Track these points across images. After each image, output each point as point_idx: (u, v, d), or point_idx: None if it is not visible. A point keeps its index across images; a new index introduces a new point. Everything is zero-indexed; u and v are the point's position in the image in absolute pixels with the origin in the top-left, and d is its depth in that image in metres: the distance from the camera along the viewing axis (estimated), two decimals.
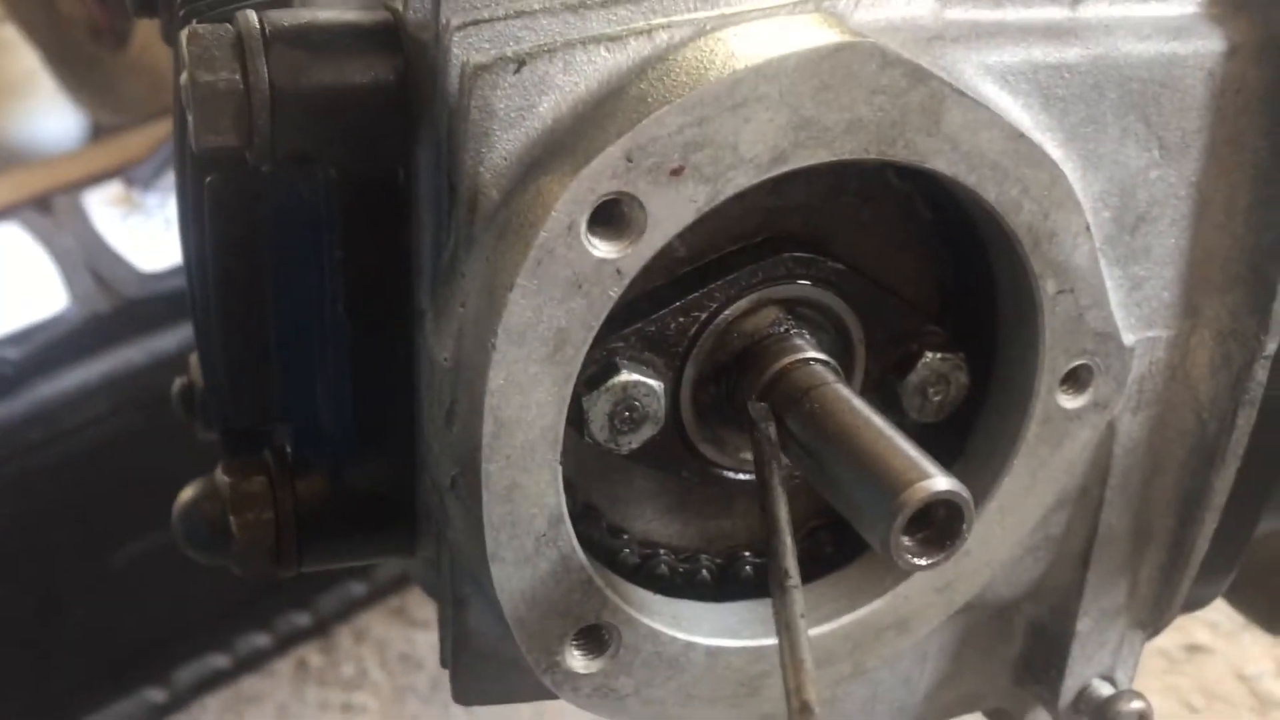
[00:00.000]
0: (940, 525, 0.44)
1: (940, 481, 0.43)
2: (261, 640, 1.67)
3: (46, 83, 1.95)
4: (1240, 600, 0.92)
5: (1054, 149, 0.49)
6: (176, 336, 1.45)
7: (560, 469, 0.47)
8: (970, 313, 0.54)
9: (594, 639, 0.51)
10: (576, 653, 0.50)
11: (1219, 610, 1.63)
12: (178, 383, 0.68)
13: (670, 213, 0.44)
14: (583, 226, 0.43)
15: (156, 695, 1.59)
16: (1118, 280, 0.52)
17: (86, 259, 1.56)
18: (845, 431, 0.47)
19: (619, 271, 0.44)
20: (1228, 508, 0.57)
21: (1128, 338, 0.53)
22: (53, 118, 1.98)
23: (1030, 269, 0.50)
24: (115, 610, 1.55)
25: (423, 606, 1.79)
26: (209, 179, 0.52)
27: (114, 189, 1.72)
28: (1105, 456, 0.56)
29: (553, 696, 0.55)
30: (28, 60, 1.95)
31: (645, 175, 0.43)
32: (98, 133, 1.98)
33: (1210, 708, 1.49)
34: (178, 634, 1.61)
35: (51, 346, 1.46)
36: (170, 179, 1.77)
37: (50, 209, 1.69)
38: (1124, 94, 0.50)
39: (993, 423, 0.54)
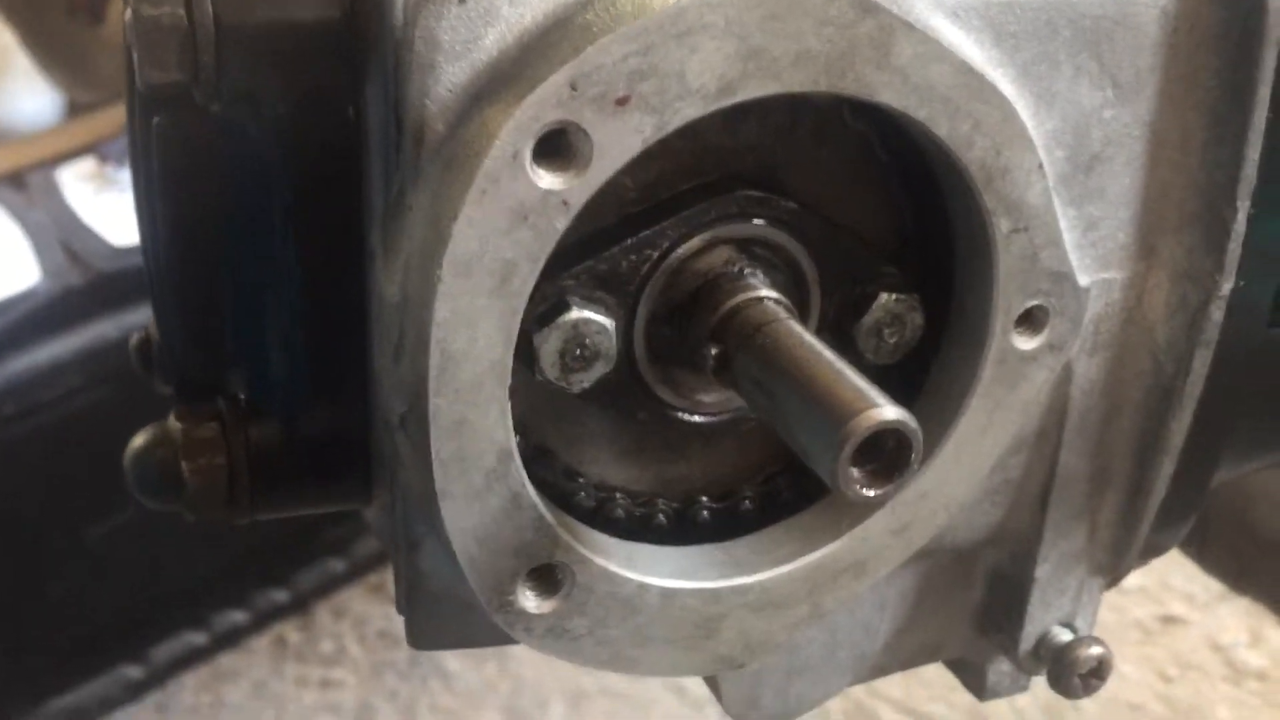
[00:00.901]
0: (889, 456, 0.44)
1: (888, 411, 0.43)
2: (239, 617, 1.66)
3: (21, 60, 1.93)
4: (1209, 561, 0.93)
5: (1006, 85, 0.49)
6: (149, 311, 1.45)
7: (509, 404, 0.47)
8: (927, 254, 0.54)
9: (547, 579, 0.50)
10: (529, 593, 0.50)
11: (1195, 582, 1.64)
12: (135, 336, 0.68)
13: (616, 143, 0.44)
14: (527, 156, 0.43)
15: (133, 672, 1.59)
16: (1072, 220, 0.52)
17: (59, 234, 1.55)
18: (795, 366, 0.46)
19: (565, 203, 0.44)
20: (1186, 451, 0.57)
21: (1083, 279, 0.53)
22: (28, 95, 1.96)
23: (983, 207, 0.49)
24: (91, 587, 1.54)
25: None
26: (156, 120, 0.52)
27: (87, 165, 1.71)
28: (1062, 399, 0.56)
29: (510, 641, 0.55)
30: (2, 37, 1.93)
31: (590, 104, 0.43)
32: (73, 109, 1.96)
33: (1185, 677, 1.50)
34: (155, 611, 1.61)
35: (24, 320, 1.45)
36: None
37: (24, 185, 1.67)
38: (1077, 31, 0.50)
39: (949, 364, 0.54)
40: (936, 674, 1.62)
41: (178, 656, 1.60)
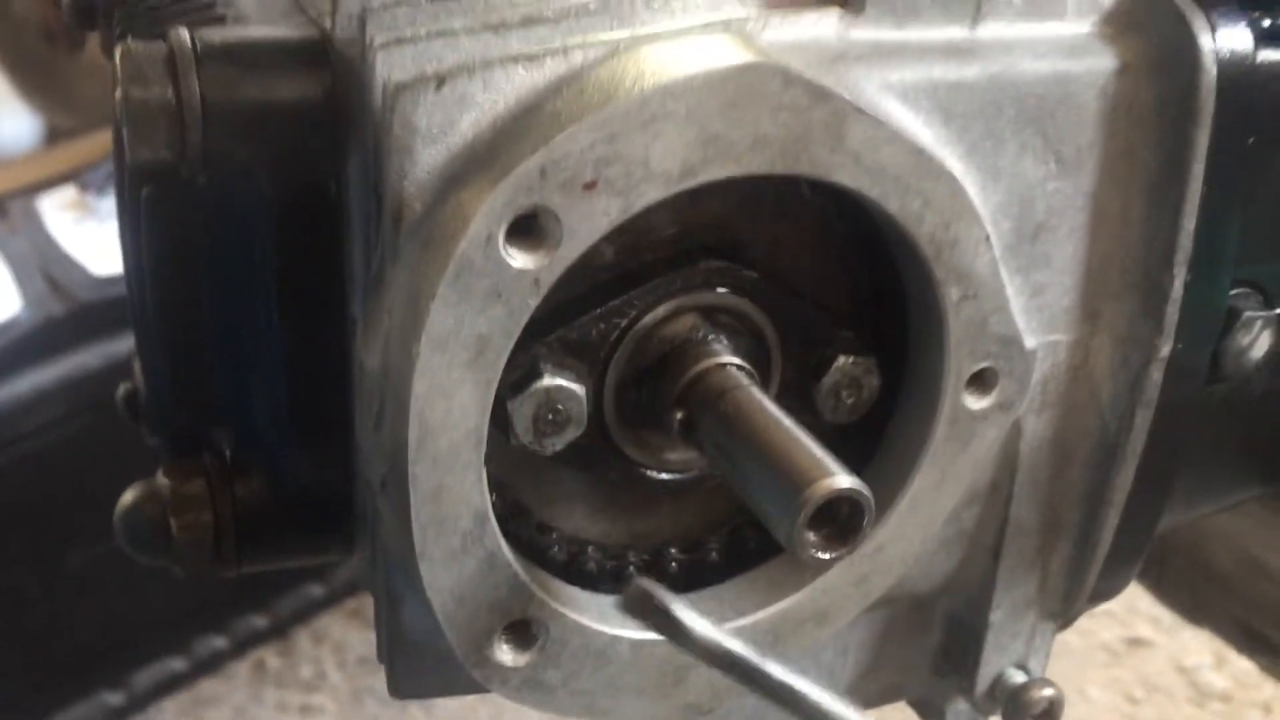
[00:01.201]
0: (843, 521, 0.47)
1: (842, 479, 0.46)
2: (219, 642, 1.67)
3: (2, 86, 1.94)
4: (1166, 594, 0.96)
5: (955, 163, 0.52)
6: (130, 340, 1.46)
7: (484, 470, 0.49)
8: (883, 319, 0.57)
9: (522, 633, 0.53)
10: (505, 647, 0.52)
11: (1160, 606, 1.67)
12: (122, 388, 0.70)
13: (585, 225, 0.46)
14: (500, 238, 0.46)
15: (114, 698, 1.59)
16: (1019, 287, 0.55)
17: (40, 263, 1.56)
18: (756, 432, 0.49)
19: (537, 281, 0.47)
20: (1130, 503, 0.60)
21: (1030, 341, 0.55)
22: (7, 121, 1.97)
23: (934, 277, 0.52)
24: (71, 613, 1.55)
25: None
26: (145, 191, 0.54)
27: (68, 193, 1.72)
28: (1013, 454, 0.59)
29: (488, 690, 0.57)
30: None
31: (559, 189, 0.45)
32: (53, 136, 1.97)
33: (1150, 699, 1.53)
34: (135, 637, 1.61)
35: (5, 350, 1.46)
36: None
37: (4, 213, 1.68)
38: (1021, 110, 0.53)
39: (904, 423, 0.57)
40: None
41: (158, 682, 1.61)
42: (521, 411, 0.50)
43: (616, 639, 0.54)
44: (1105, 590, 0.63)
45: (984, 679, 0.64)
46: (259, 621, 1.69)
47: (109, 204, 1.66)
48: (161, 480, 0.57)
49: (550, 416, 0.50)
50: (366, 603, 1.78)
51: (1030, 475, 0.60)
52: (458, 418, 0.48)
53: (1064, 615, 0.64)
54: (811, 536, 0.46)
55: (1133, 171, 0.55)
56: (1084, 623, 1.78)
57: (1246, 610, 0.88)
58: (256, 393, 0.57)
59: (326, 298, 0.54)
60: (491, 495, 0.53)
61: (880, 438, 0.58)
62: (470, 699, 1.62)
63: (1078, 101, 0.53)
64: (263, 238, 0.53)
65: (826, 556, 0.47)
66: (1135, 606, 1.63)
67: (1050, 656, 0.66)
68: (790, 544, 0.46)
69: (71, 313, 1.49)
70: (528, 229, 0.46)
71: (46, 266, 1.55)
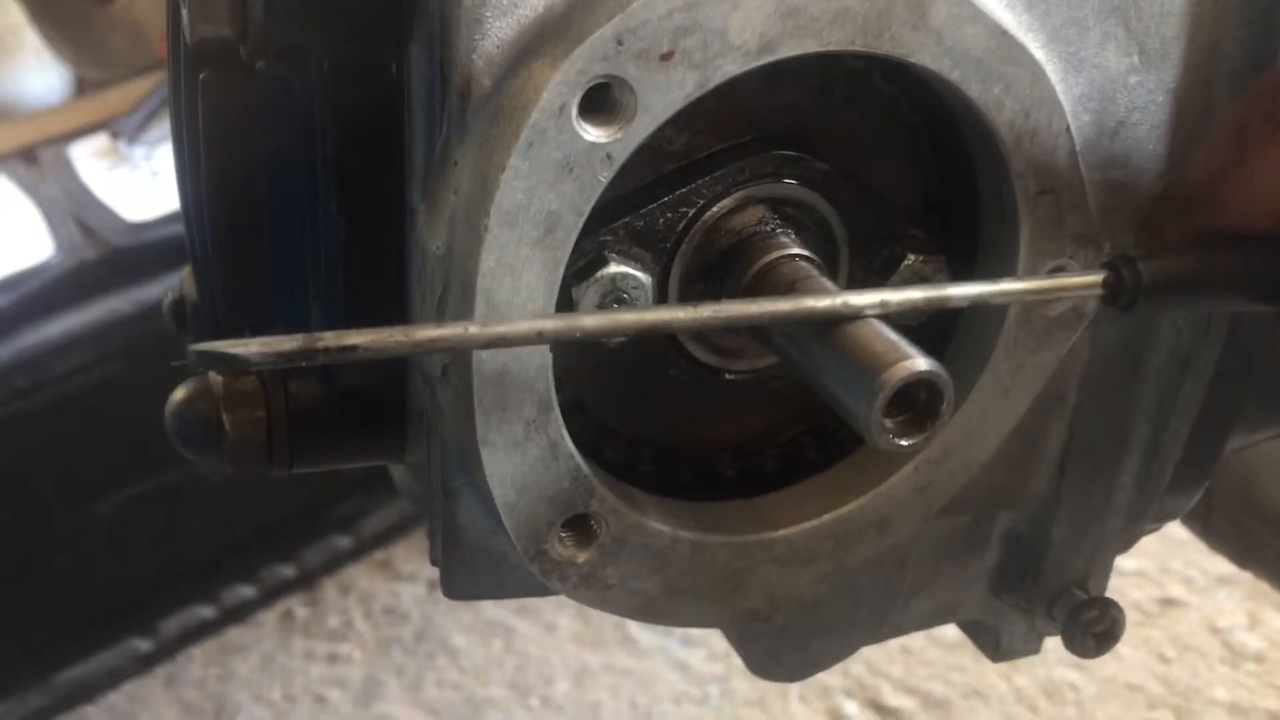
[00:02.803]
0: (921, 407, 0.45)
1: (920, 361, 0.45)
2: (247, 592, 1.68)
3: (32, 38, 1.94)
4: (1213, 535, 0.94)
5: (1036, 49, 0.50)
6: (162, 285, 1.46)
7: (550, 356, 0.48)
8: (954, 217, 0.55)
9: (582, 528, 0.52)
10: (565, 541, 0.51)
11: (1193, 566, 1.66)
12: (169, 296, 0.69)
13: (660, 98, 0.45)
14: (574, 110, 0.44)
15: (143, 645, 1.60)
16: (1097, 184, 0.53)
17: (72, 209, 1.56)
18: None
19: (609, 156, 0.45)
20: (1201, 417, 0.59)
21: (1107, 243, 0.54)
22: (38, 73, 1.97)
23: (1011, 168, 0.51)
24: (101, 559, 1.55)
25: (408, 560, 1.80)
26: (202, 75, 0.53)
27: (100, 141, 1.72)
28: (1083, 362, 0.58)
29: (542, 593, 0.56)
30: (13, 16, 1.94)
31: (635, 59, 0.44)
32: (82, 87, 1.97)
33: (1183, 659, 1.52)
34: (164, 584, 1.62)
35: (37, 295, 1.46)
36: (156, 132, 1.76)
37: (36, 161, 1.68)
38: None
39: (974, 326, 0.55)
40: (937, 654, 1.64)
41: (187, 630, 1.61)
42: (587, 299, 0.49)
43: (677, 539, 0.53)
44: (1169, 510, 0.62)
45: (1043, 598, 0.63)
46: (287, 571, 1.69)
47: (141, 151, 1.66)
48: (214, 377, 0.56)
49: (615, 306, 0.49)
50: (393, 554, 1.78)
51: (1100, 386, 0.58)
52: (524, 298, 0.46)
53: (1127, 534, 0.63)
54: (889, 422, 0.45)
55: (1217, 66, 0.53)
56: (1116, 583, 1.77)
57: None
58: (312, 286, 0.56)
59: (385, 186, 0.52)
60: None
61: (948, 342, 0.56)
62: (495, 648, 1.62)
63: None
64: (321, 124, 0.52)
65: (905, 443, 0.45)
66: (1168, 566, 1.61)
67: (1108, 579, 0.65)
68: (868, 430, 0.45)
69: (103, 258, 1.48)
70: (601, 102, 0.45)
71: (78, 212, 1.54)
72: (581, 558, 0.52)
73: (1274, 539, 0.89)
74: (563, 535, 0.51)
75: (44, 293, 1.45)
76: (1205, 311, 0.55)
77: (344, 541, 1.74)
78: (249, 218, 0.55)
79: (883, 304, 0.46)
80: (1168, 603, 1.58)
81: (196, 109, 0.54)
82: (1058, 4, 0.50)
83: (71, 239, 1.51)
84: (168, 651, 1.61)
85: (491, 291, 0.46)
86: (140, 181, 1.61)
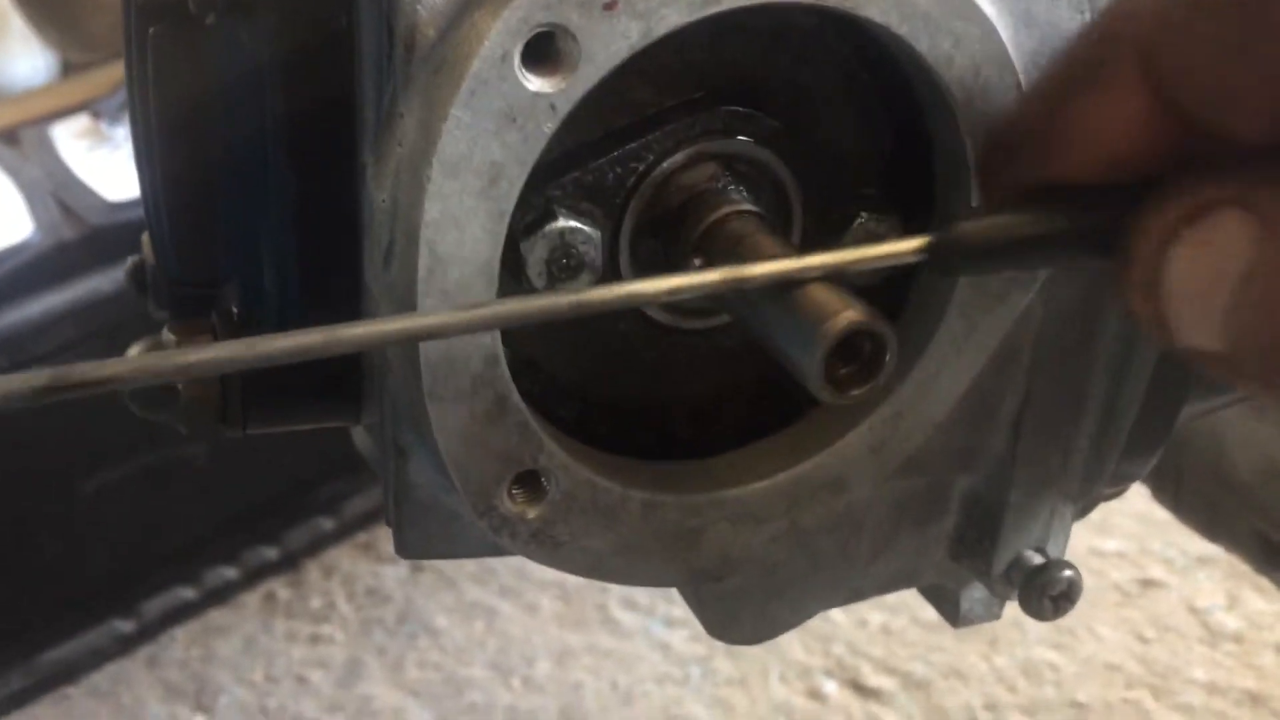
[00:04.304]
0: (866, 359, 0.45)
1: (862, 312, 0.45)
2: (230, 573, 1.68)
3: (15, 22, 1.93)
4: (1184, 508, 0.95)
5: (987, 5, 0.50)
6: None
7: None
8: (908, 175, 0.55)
9: (532, 484, 0.52)
10: (515, 497, 0.51)
11: (1173, 547, 1.67)
12: (130, 261, 0.69)
13: (603, 48, 0.45)
14: (516, 58, 0.44)
15: (124, 626, 1.60)
16: None
17: (53, 189, 1.56)
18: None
19: (553, 106, 0.45)
20: (1156, 378, 0.59)
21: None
22: (22, 55, 1.96)
23: (961, 125, 0.51)
24: (83, 541, 1.55)
25: (390, 542, 1.80)
26: (153, 30, 0.53)
27: (82, 122, 1.72)
28: (1038, 321, 0.58)
29: (496, 552, 0.56)
30: None
31: (578, 8, 0.44)
32: (67, 70, 1.96)
33: (1162, 639, 1.52)
34: (146, 566, 1.62)
35: (17, 274, 1.46)
36: None
37: (17, 141, 1.68)
38: None
39: (927, 286, 0.55)
40: (918, 634, 1.64)
41: (169, 611, 1.61)
42: (535, 253, 0.48)
43: (627, 497, 0.53)
44: (1125, 473, 0.62)
45: (1001, 561, 0.63)
46: (269, 553, 1.69)
47: (123, 131, 1.65)
48: (167, 336, 0.56)
49: (564, 260, 0.49)
50: (377, 536, 1.79)
51: (1055, 346, 0.58)
52: (469, 250, 0.46)
53: (1084, 497, 0.63)
54: (834, 373, 0.45)
55: None
56: (1096, 563, 1.78)
57: (1267, 523, 0.87)
58: (264, 245, 0.55)
59: (336, 143, 0.52)
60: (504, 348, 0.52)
61: (903, 300, 0.56)
62: (477, 629, 1.63)
63: None
64: (271, 79, 0.52)
65: (849, 394, 0.45)
66: (1147, 547, 1.62)
67: (1066, 543, 0.65)
68: (811, 380, 0.45)
69: (83, 237, 1.48)
70: (544, 51, 0.45)
71: (59, 191, 1.54)
72: (531, 514, 0.52)
73: (1243, 511, 0.89)
74: (512, 491, 0.51)
75: (24, 272, 1.45)
76: (1040, 270, 0.54)
77: (327, 523, 1.74)
78: (200, 175, 0.55)
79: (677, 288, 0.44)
80: (1147, 583, 1.59)
81: (147, 65, 0.53)
82: None
83: (51, 218, 1.51)
84: (150, 633, 1.61)
85: (435, 243, 0.46)
86: (121, 162, 1.60)
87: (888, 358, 0.45)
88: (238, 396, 0.56)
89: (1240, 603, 1.53)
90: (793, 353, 0.46)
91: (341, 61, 0.51)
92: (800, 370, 0.46)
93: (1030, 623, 1.75)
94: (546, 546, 0.53)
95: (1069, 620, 1.69)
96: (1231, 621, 1.52)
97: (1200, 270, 0.41)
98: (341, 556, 1.73)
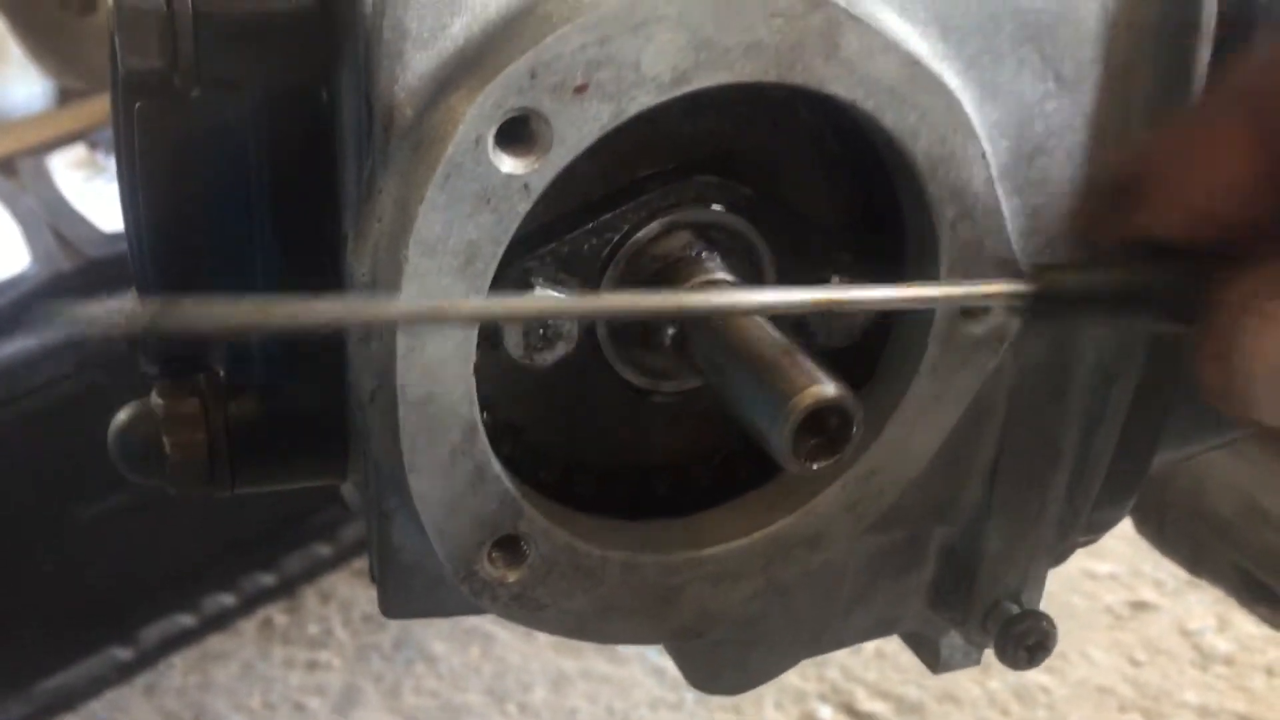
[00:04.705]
0: (832, 432, 0.47)
1: (830, 388, 0.46)
2: (227, 600, 1.69)
3: (13, 49, 1.94)
4: (1167, 545, 0.95)
5: (951, 78, 0.51)
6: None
7: (474, 381, 0.49)
8: (879, 240, 0.56)
9: (512, 549, 0.53)
10: (495, 562, 0.52)
11: (1164, 569, 1.67)
12: None
13: (575, 130, 0.46)
14: (490, 142, 0.45)
15: (123, 653, 1.61)
16: (1015, 209, 0.55)
17: (49, 219, 1.57)
18: (746, 344, 0.49)
19: (527, 187, 0.46)
20: (1127, 429, 0.60)
21: (1026, 266, 0.55)
22: (19, 83, 1.97)
23: (929, 194, 0.52)
24: (80, 569, 1.56)
25: None
26: (138, 105, 0.54)
27: (78, 152, 1.73)
28: (1009, 378, 0.59)
29: (478, 611, 0.57)
30: None
31: (549, 92, 0.45)
32: (64, 98, 1.98)
33: (1153, 662, 1.53)
34: (144, 593, 1.62)
35: (14, 306, 1.47)
36: None
37: (14, 171, 1.69)
38: (1020, 25, 0.52)
39: (898, 347, 0.57)
40: (911, 658, 1.65)
41: (167, 638, 1.62)
42: (512, 324, 0.50)
43: (607, 559, 0.54)
44: (1100, 522, 0.63)
45: (977, 611, 0.64)
46: (267, 579, 1.70)
47: None
48: (155, 400, 0.57)
49: (541, 331, 0.50)
50: None
51: (1027, 399, 0.59)
52: (446, 326, 0.47)
53: (1059, 546, 0.64)
54: (800, 446, 0.46)
55: (1132, 90, 0.54)
56: (1087, 585, 1.78)
57: (1248, 559, 0.87)
58: None
59: (320, 211, 0.53)
60: (482, 414, 0.54)
61: (875, 363, 0.57)
62: (473, 656, 1.63)
63: (1077, 17, 0.53)
64: (256, 150, 0.53)
65: (815, 466, 0.46)
66: (1139, 570, 1.62)
67: (1042, 592, 0.66)
68: (779, 453, 0.46)
69: (79, 268, 1.49)
70: (518, 133, 0.46)
71: (55, 223, 1.55)
72: (512, 578, 0.53)
73: (1225, 548, 0.90)
74: (492, 556, 0.52)
75: (20, 304, 1.46)
76: (1121, 327, 0.56)
77: (324, 550, 1.74)
78: (187, 244, 0.56)
79: (772, 304, 0.46)
80: (1139, 606, 1.59)
81: (133, 137, 0.55)
82: (972, 32, 0.51)
83: (48, 250, 1.52)
84: (148, 660, 1.61)
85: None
86: (117, 192, 1.61)
87: (853, 431, 0.46)
88: (226, 459, 0.58)
89: (1231, 625, 1.54)
90: (761, 425, 0.47)
91: (325, 134, 0.52)
92: (767, 442, 0.47)
93: None
94: (528, 609, 0.54)
95: (1062, 644, 1.69)
96: (1223, 644, 1.53)
97: (1277, 345, 0.40)
98: (338, 583, 1.74)
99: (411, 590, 0.57)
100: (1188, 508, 0.89)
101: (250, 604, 1.69)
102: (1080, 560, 1.66)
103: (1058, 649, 1.68)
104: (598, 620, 0.55)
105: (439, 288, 0.47)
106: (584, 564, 0.54)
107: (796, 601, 0.64)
